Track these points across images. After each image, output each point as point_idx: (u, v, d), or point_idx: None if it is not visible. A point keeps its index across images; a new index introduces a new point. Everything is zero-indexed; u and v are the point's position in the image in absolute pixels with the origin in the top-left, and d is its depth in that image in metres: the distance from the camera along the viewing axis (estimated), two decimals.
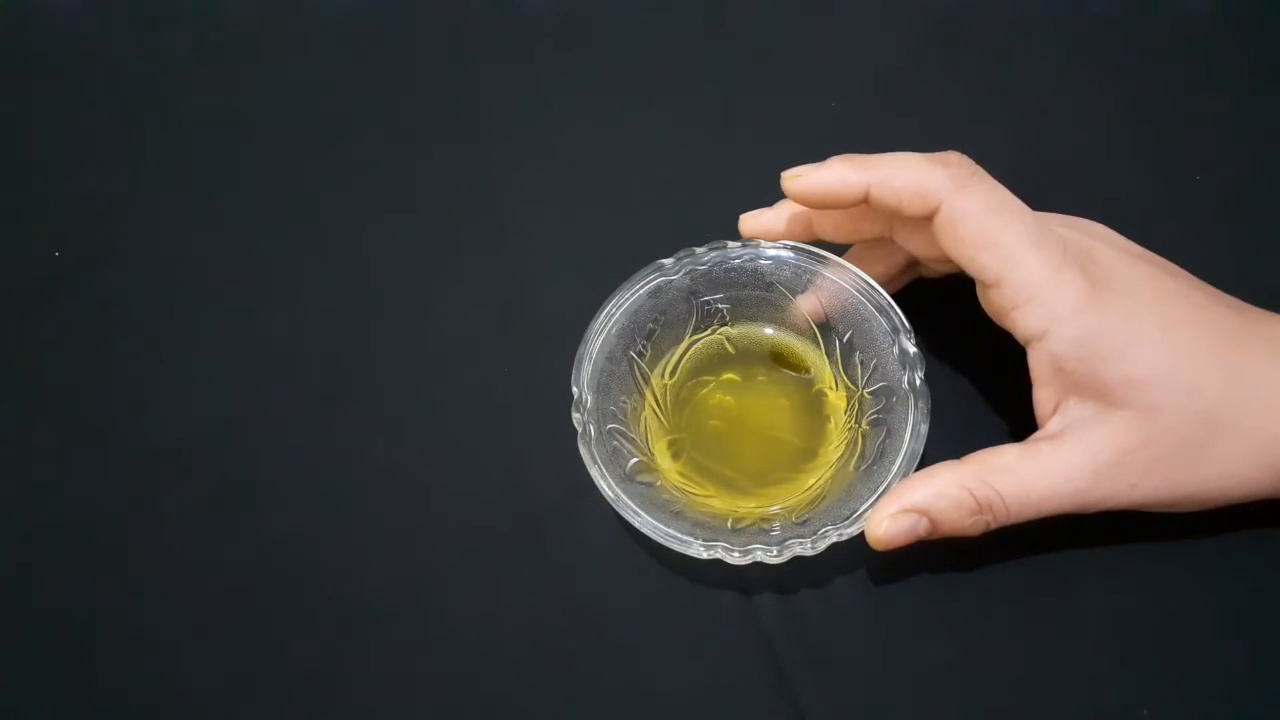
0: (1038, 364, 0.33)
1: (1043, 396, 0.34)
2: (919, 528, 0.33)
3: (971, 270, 0.34)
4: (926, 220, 0.34)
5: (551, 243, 0.44)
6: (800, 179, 0.35)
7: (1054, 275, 0.32)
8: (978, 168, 0.34)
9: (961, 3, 0.49)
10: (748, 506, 0.36)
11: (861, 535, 0.33)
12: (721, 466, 0.38)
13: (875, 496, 0.34)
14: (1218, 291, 0.35)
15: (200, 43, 0.51)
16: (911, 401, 0.35)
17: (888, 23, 0.49)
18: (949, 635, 0.35)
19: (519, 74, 0.48)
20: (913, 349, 0.36)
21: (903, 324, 0.36)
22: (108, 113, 0.49)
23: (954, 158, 0.34)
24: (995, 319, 0.34)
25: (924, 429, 0.35)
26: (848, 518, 0.34)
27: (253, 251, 0.45)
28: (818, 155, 0.45)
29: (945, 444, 0.35)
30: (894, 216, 0.36)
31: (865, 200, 0.35)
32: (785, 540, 0.33)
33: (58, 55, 0.51)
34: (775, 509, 0.36)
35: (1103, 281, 0.33)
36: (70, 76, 0.50)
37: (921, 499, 0.33)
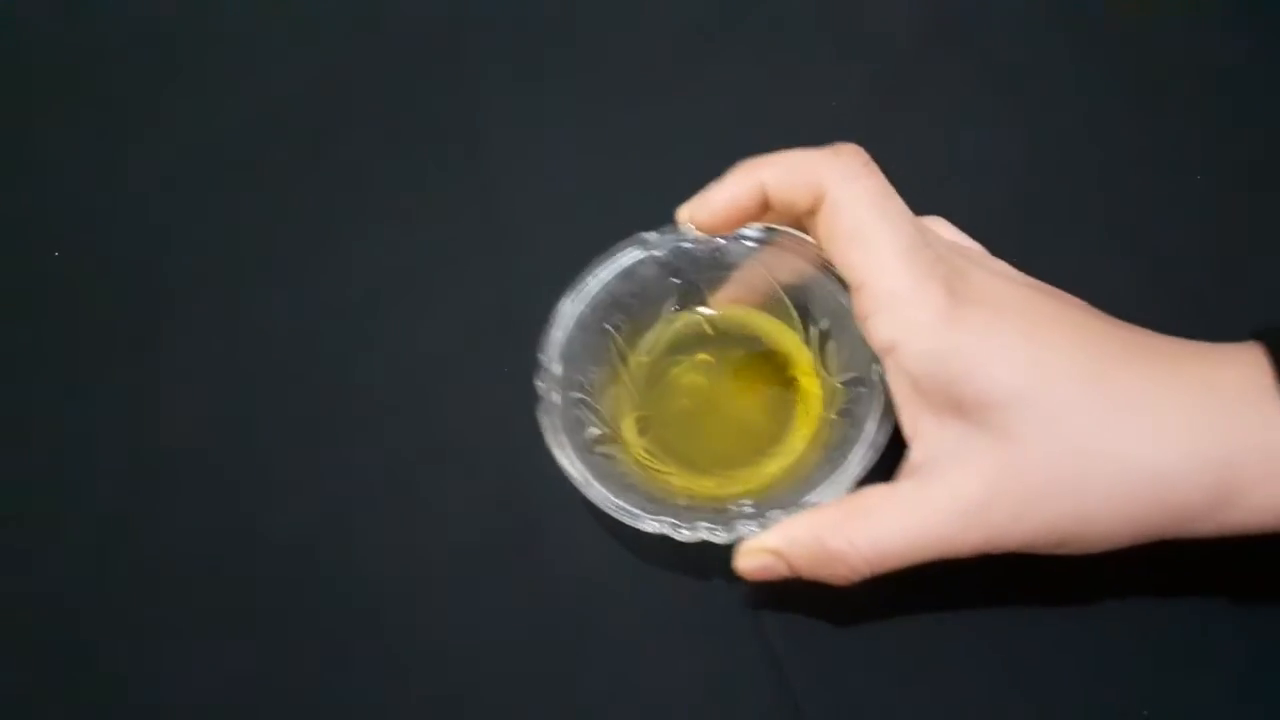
0: (892, 380, 0.32)
1: (903, 418, 0.32)
2: (777, 568, 0.32)
3: (841, 268, 0.32)
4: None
5: (552, 242, 0.44)
6: (700, 210, 0.34)
7: (916, 286, 0.30)
8: (870, 162, 0.32)
9: (962, 2, 0.48)
10: (708, 486, 0.36)
11: None
12: (687, 446, 0.37)
13: (827, 486, 0.33)
14: (1110, 318, 0.32)
15: (200, 42, 0.51)
16: (879, 393, 0.35)
17: (888, 22, 0.48)
18: (949, 635, 0.34)
19: (519, 73, 0.48)
20: None
21: None
22: (106, 113, 0.49)
23: (848, 149, 0.33)
24: (859, 324, 0.32)
25: (890, 424, 0.34)
26: (799, 504, 0.33)
27: (252, 251, 0.45)
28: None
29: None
30: (797, 214, 0.34)
31: (767, 203, 0.33)
32: (732, 521, 0.33)
33: (57, 55, 0.52)
34: (733, 491, 0.36)
35: (965, 297, 0.30)
36: (69, 76, 0.51)
37: (776, 542, 0.32)
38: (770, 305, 0.39)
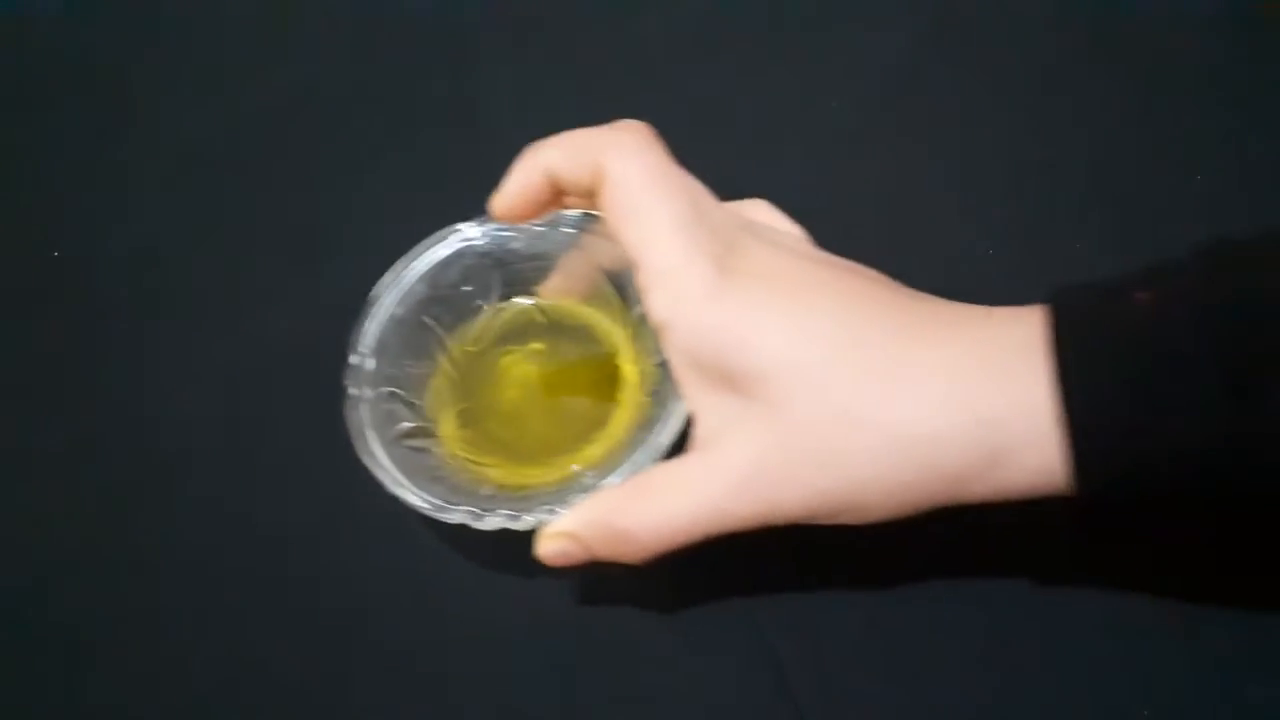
0: (671, 357, 0.31)
1: (685, 394, 0.31)
2: (572, 552, 0.31)
3: (622, 246, 0.31)
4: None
5: None
6: (497, 201, 0.34)
7: (686, 261, 0.30)
8: (653, 139, 0.32)
9: (962, 2, 0.48)
10: (532, 475, 0.36)
11: None
12: (512, 435, 0.37)
13: (628, 467, 0.33)
14: (902, 290, 0.31)
15: (200, 41, 0.52)
16: None
17: (888, 22, 0.48)
18: (950, 635, 0.34)
19: (519, 72, 0.48)
20: None
21: None
22: (106, 113, 0.49)
23: (628, 125, 0.32)
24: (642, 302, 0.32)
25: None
26: (600, 487, 0.33)
27: (252, 250, 0.44)
28: (818, 154, 0.45)
29: None
30: (586, 194, 0.33)
31: (559, 186, 0.33)
32: (534, 508, 0.33)
33: (57, 55, 0.52)
34: (553, 478, 0.35)
35: (735, 270, 0.30)
36: (69, 76, 0.51)
37: (570, 525, 0.31)
38: (594, 292, 0.38)
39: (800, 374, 0.29)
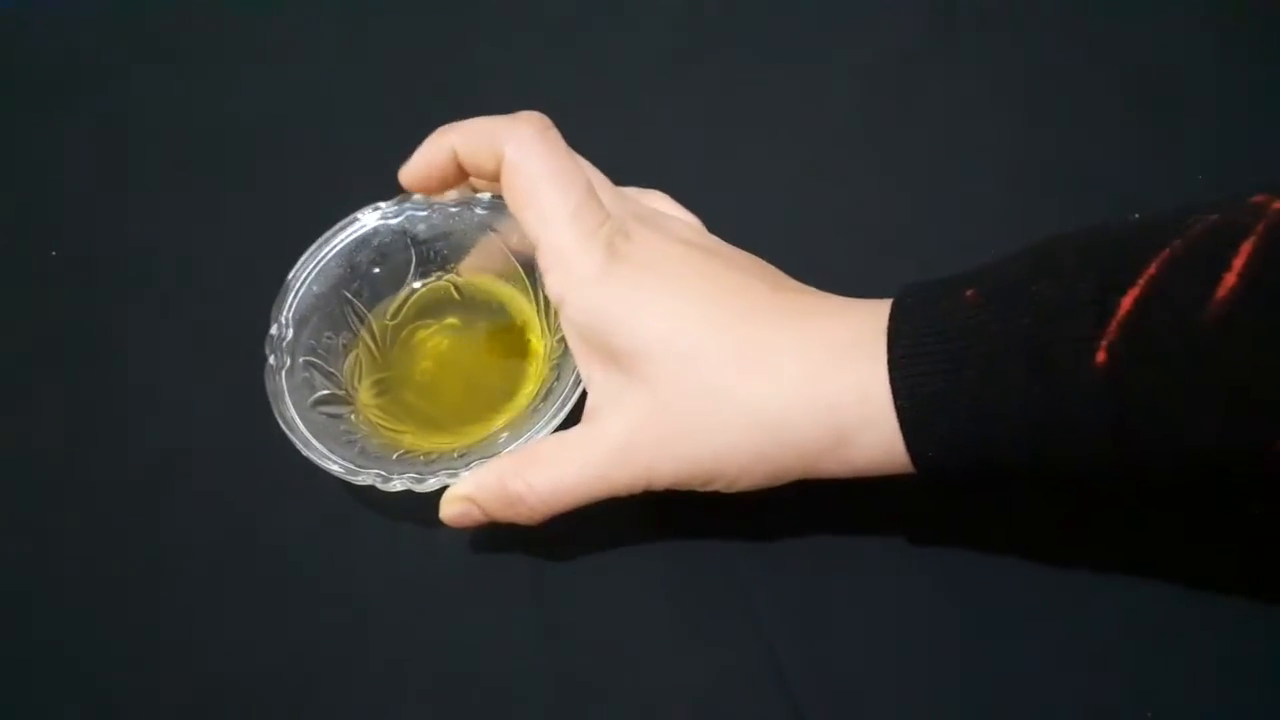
0: (566, 333, 0.34)
1: (580, 368, 0.34)
2: (471, 514, 0.34)
3: (522, 226, 0.34)
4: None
5: None
6: (404, 173, 0.37)
7: (579, 244, 0.32)
8: (549, 128, 0.34)
9: (962, 2, 0.49)
10: (443, 442, 0.38)
11: None
12: (426, 405, 0.39)
13: (524, 437, 0.35)
14: (778, 278, 0.34)
15: (199, 41, 0.51)
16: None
17: (888, 21, 0.48)
18: (949, 635, 0.35)
19: (519, 71, 0.49)
20: None
21: None
22: (106, 112, 0.50)
23: (527, 116, 0.35)
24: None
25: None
26: (496, 454, 0.35)
27: (252, 250, 0.44)
28: (817, 151, 0.45)
29: None
30: (486, 176, 0.36)
31: (461, 166, 0.36)
32: (437, 471, 0.35)
33: (56, 55, 0.52)
34: (461, 445, 0.37)
35: (623, 255, 0.32)
36: (68, 76, 0.51)
37: (466, 489, 0.34)
38: (508, 271, 0.41)
39: (673, 353, 0.31)
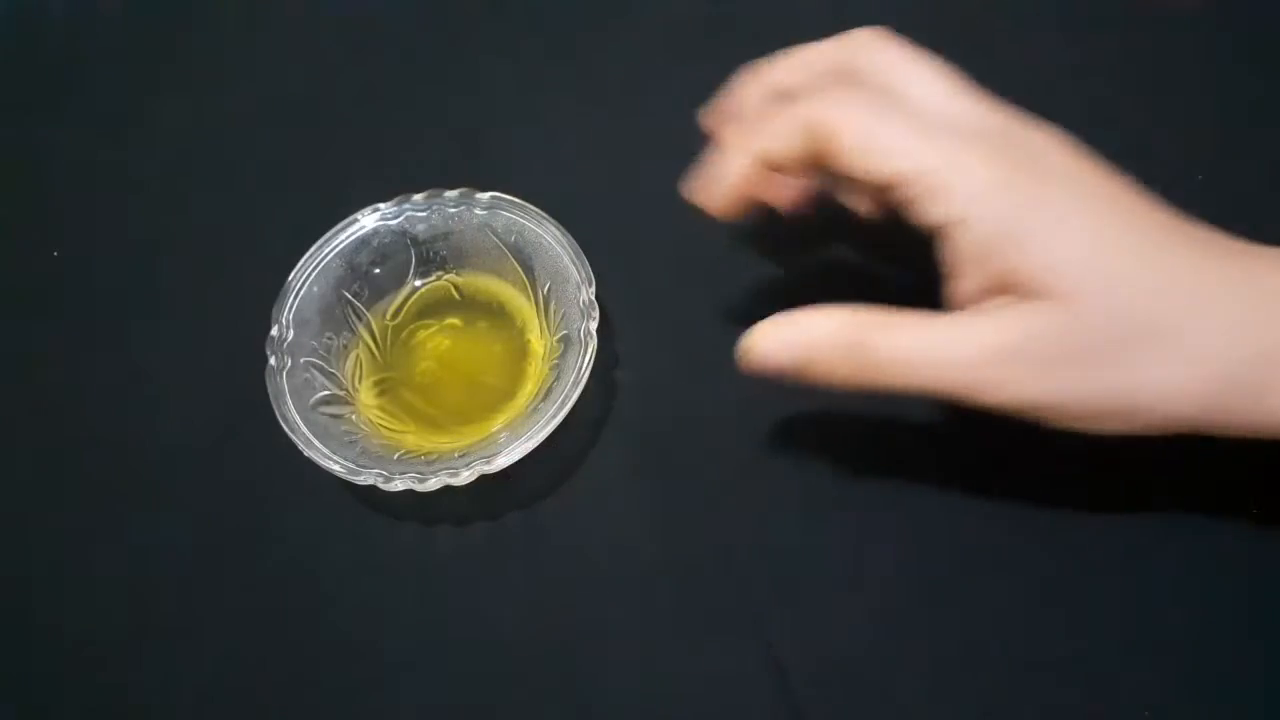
0: (950, 255, 0.30)
1: (958, 292, 0.31)
2: (792, 355, 0.31)
3: (872, 180, 0.31)
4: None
5: None
6: (709, 198, 0.34)
7: (952, 159, 0.30)
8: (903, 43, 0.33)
9: (962, 1, 0.48)
10: (443, 442, 0.38)
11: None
12: (427, 405, 0.39)
13: (522, 437, 0.35)
14: (1158, 204, 0.31)
15: (199, 40, 0.51)
16: (580, 348, 0.37)
17: (887, 19, 0.47)
18: (949, 635, 0.35)
19: (519, 70, 0.49)
20: (586, 298, 0.37)
21: (588, 275, 0.38)
22: (106, 112, 0.49)
23: (862, 38, 0.34)
24: (912, 222, 0.31)
25: (586, 376, 0.36)
26: (497, 455, 0.35)
27: (252, 249, 0.44)
28: None
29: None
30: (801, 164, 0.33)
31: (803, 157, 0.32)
32: (438, 471, 0.35)
33: (56, 55, 0.52)
34: (462, 445, 0.38)
35: (1027, 165, 0.30)
36: (69, 76, 0.51)
37: (792, 333, 0.31)
38: (507, 271, 0.41)
39: (1094, 269, 0.29)
